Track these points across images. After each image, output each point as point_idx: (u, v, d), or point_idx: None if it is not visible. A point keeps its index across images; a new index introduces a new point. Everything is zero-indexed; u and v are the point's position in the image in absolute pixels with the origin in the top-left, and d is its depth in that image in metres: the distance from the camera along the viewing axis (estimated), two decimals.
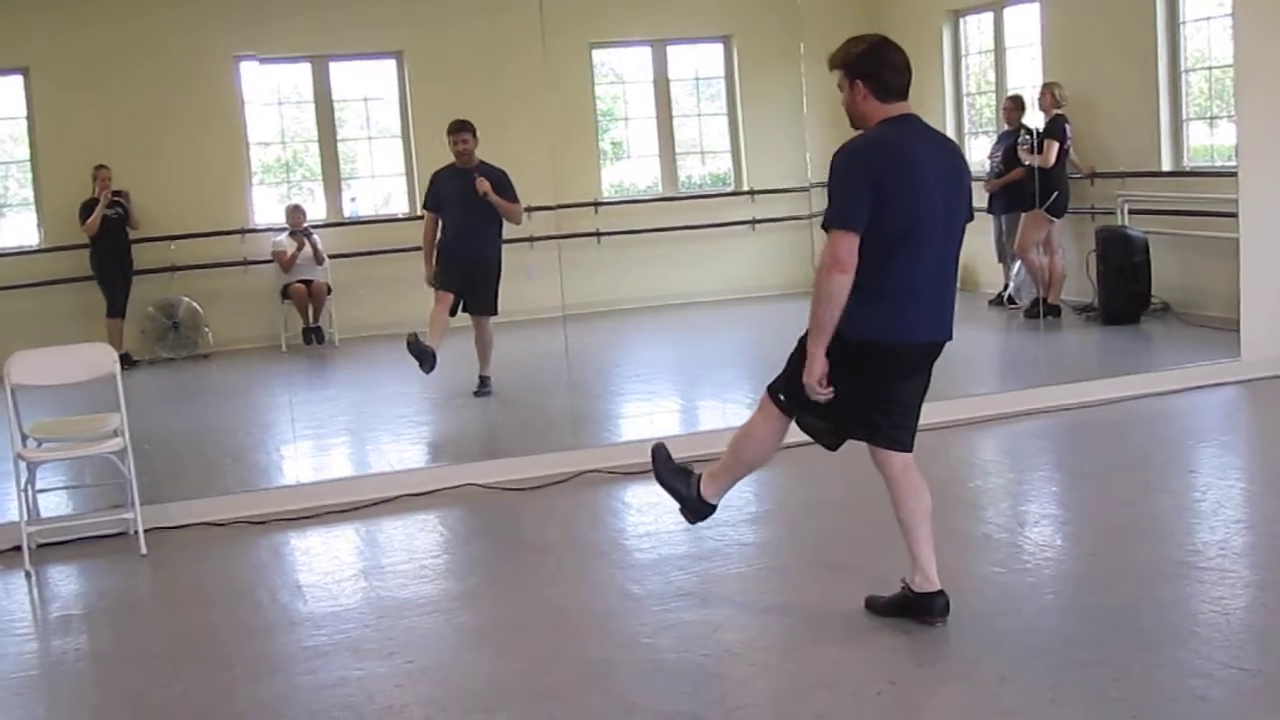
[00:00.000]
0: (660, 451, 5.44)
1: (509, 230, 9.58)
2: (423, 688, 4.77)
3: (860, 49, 4.83)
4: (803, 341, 4.79)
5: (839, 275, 4.59)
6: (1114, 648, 4.61)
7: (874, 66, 4.77)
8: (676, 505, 5.41)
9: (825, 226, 4.66)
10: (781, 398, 4.99)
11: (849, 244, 4.57)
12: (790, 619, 5.21)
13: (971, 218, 5.00)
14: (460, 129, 9.23)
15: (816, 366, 4.70)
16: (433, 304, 9.29)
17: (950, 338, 4.98)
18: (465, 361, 9.24)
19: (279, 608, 5.65)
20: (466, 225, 9.26)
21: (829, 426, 4.98)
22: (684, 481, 5.35)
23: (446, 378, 9.18)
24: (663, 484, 5.41)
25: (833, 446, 5.09)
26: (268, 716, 4.56)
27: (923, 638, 4.87)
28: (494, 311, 9.42)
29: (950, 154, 4.92)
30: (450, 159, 9.26)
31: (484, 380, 9.47)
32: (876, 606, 5.08)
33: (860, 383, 4.81)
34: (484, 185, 9.12)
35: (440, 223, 9.40)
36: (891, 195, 4.60)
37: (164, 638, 5.48)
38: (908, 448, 4.99)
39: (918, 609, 4.94)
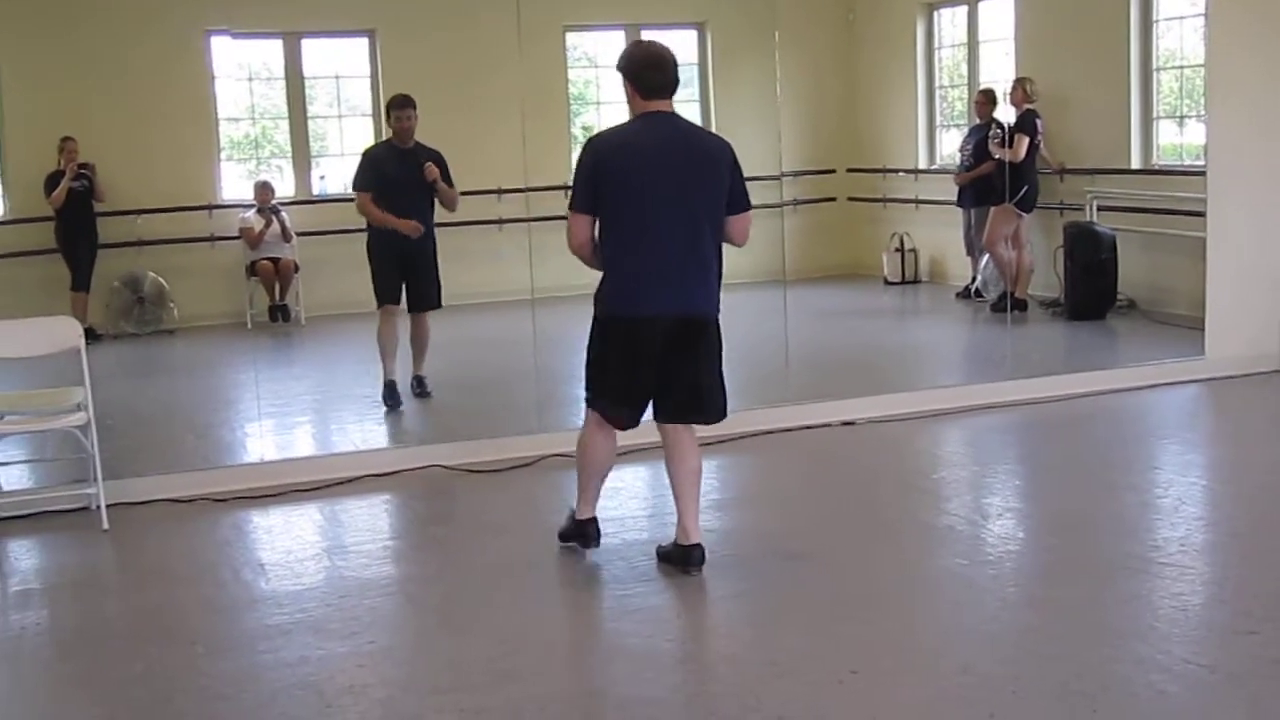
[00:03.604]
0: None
1: (478, 212, 9.49)
2: (384, 668, 4.77)
3: (628, 53, 5.39)
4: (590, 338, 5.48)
5: (573, 246, 5.36)
6: (1075, 641, 4.64)
7: (635, 68, 5.32)
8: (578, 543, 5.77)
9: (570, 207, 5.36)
10: (587, 395, 5.55)
11: (577, 222, 5.30)
12: (753, 606, 5.21)
13: (742, 207, 5.41)
14: (407, 104, 8.57)
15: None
16: (379, 322, 8.71)
17: (692, 313, 5.34)
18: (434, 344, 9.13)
19: (241, 585, 5.63)
20: (409, 212, 8.53)
21: (612, 403, 5.46)
22: (568, 524, 5.83)
23: (409, 364, 9.12)
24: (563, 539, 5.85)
25: (623, 424, 5.52)
26: (228, 694, 4.54)
27: (885, 628, 4.90)
28: (439, 305, 8.84)
29: (700, 149, 5.37)
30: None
31: (421, 380, 8.92)
32: (660, 554, 5.61)
33: (617, 356, 5.38)
34: (433, 171, 8.50)
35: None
36: (611, 184, 5.24)
37: (125, 614, 5.46)
38: (689, 421, 5.51)
39: (678, 560, 5.45)
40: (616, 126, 5.48)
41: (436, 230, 8.83)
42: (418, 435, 8.46)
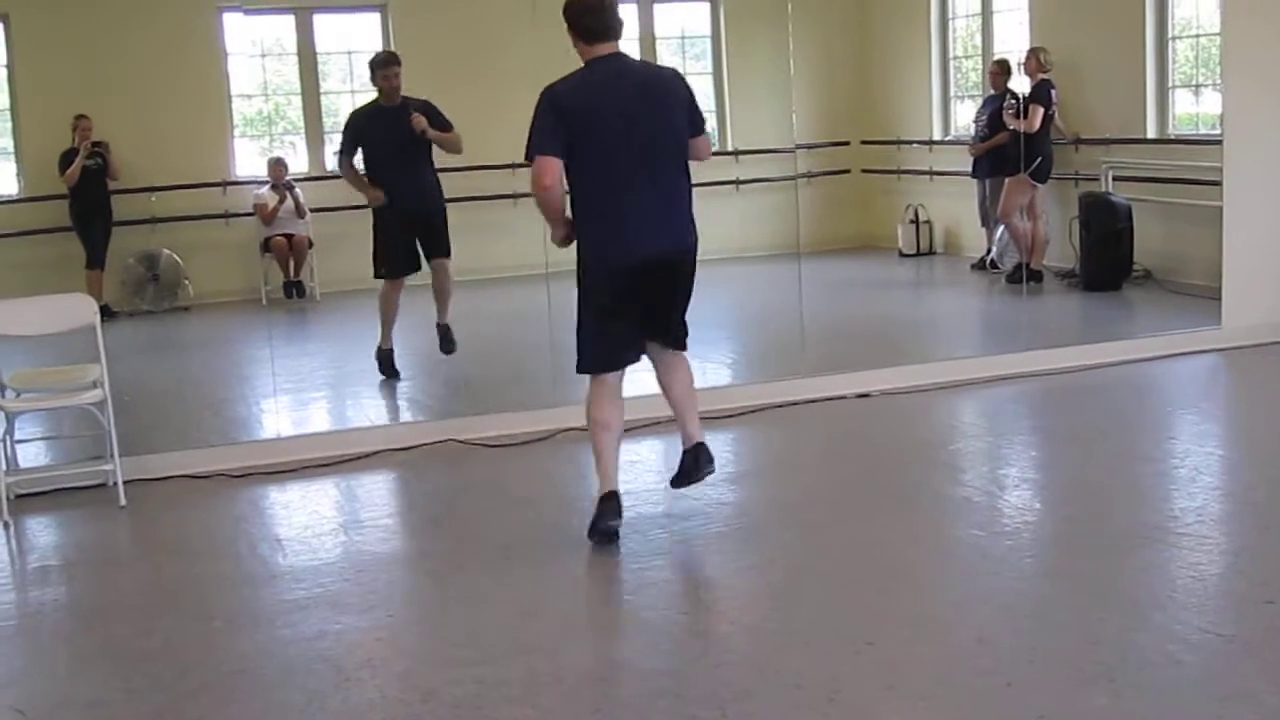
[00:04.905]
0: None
1: (492, 187, 9.42)
2: (402, 641, 4.79)
3: (566, 2, 5.40)
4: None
5: (541, 192, 5.33)
6: (1091, 611, 4.63)
7: (573, 16, 5.38)
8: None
9: (526, 158, 5.35)
10: (579, 362, 5.61)
11: (543, 166, 5.27)
12: (769, 578, 5.22)
13: (701, 129, 5.53)
14: (391, 61, 8.59)
15: (556, 232, 5.49)
16: (385, 289, 8.67)
17: (679, 247, 5.46)
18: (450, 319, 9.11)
19: (258, 560, 5.65)
20: (406, 173, 8.50)
21: (607, 350, 5.53)
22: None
23: (427, 334, 9.12)
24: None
25: (618, 365, 5.61)
26: (247, 669, 4.56)
27: (901, 599, 4.90)
28: (450, 253, 8.75)
29: (652, 83, 5.51)
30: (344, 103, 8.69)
31: (447, 331, 8.83)
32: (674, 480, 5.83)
33: (610, 302, 5.41)
34: (420, 121, 8.38)
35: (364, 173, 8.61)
36: (575, 127, 5.26)
37: (143, 589, 5.48)
38: (681, 346, 5.67)
39: (689, 466, 5.74)
40: (564, 78, 5.43)
41: (451, 205, 8.81)
42: (434, 409, 8.45)
